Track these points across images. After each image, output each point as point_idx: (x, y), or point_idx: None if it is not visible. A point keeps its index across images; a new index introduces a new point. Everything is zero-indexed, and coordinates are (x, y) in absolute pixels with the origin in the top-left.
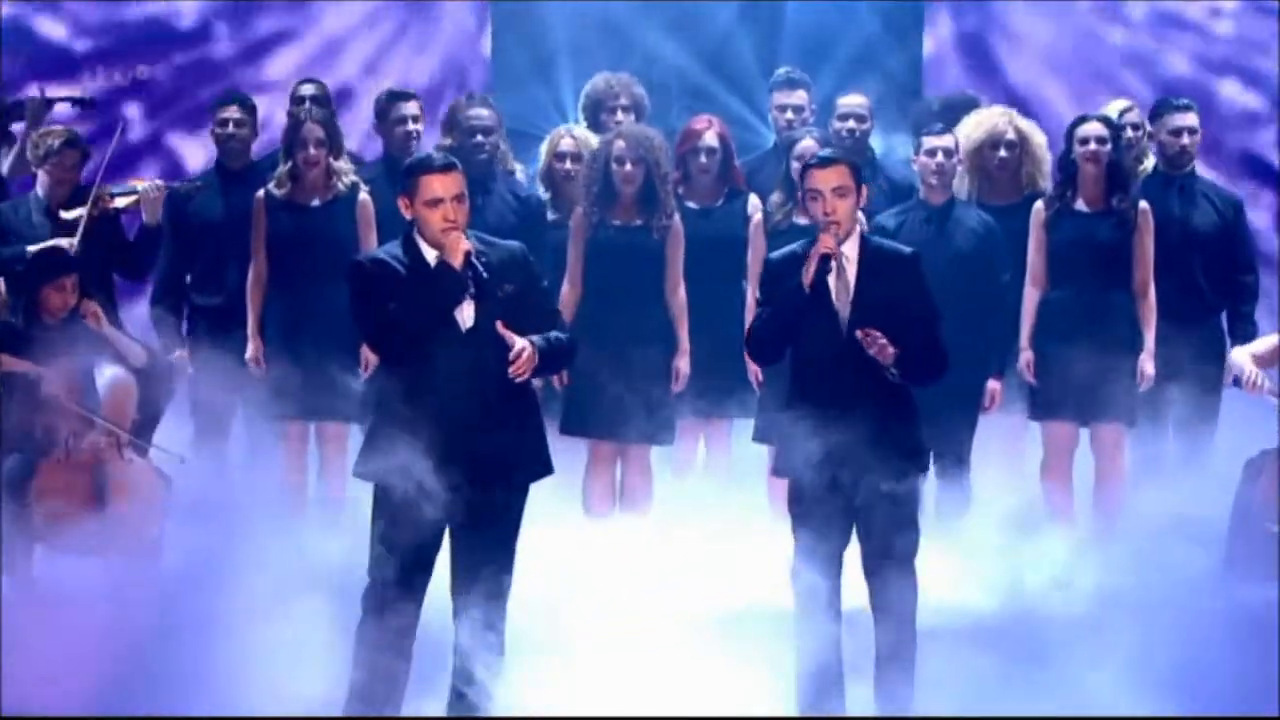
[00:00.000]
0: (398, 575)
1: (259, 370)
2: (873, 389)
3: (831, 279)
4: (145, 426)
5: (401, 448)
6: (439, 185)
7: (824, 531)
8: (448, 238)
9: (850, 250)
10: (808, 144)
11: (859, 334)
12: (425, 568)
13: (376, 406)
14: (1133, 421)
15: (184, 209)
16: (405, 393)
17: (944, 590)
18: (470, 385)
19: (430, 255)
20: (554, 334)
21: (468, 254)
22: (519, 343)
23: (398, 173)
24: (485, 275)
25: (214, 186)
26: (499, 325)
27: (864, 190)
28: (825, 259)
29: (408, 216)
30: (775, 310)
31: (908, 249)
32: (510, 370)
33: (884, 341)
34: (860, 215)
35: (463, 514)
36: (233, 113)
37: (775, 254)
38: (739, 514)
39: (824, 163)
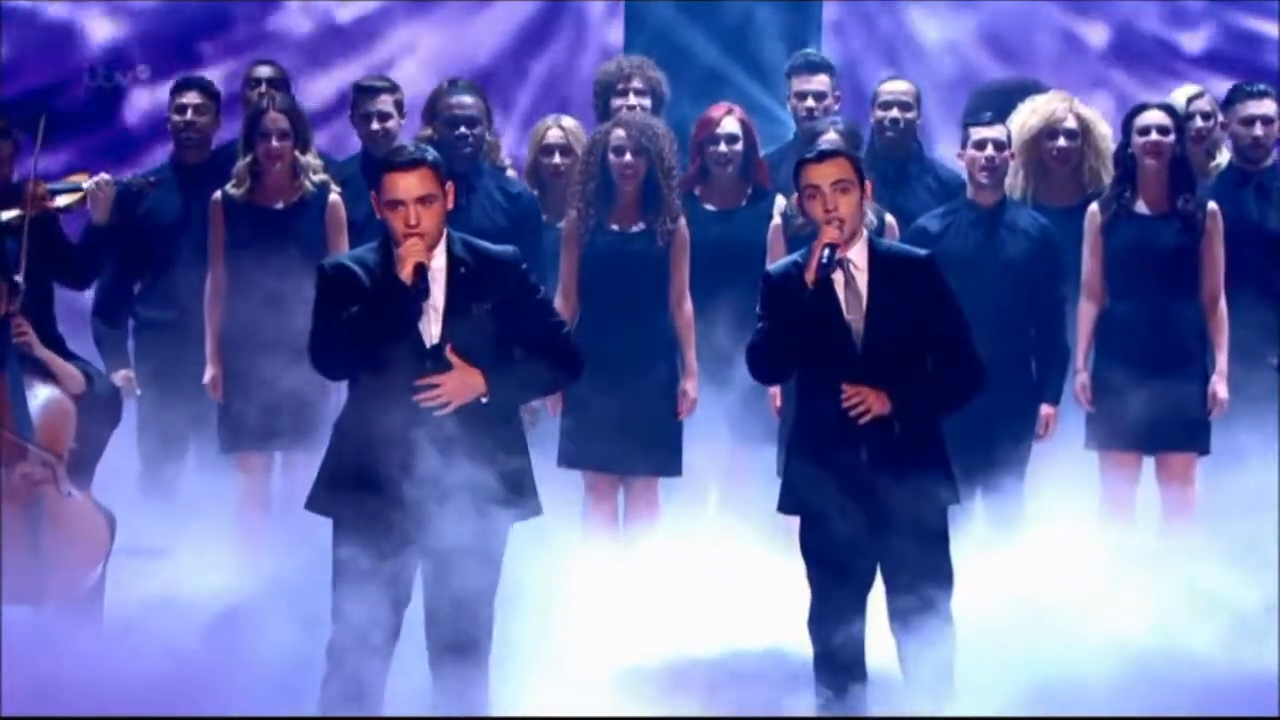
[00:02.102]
0: (364, 623)
1: (218, 395)
2: (892, 411)
3: (840, 289)
4: (87, 458)
5: (360, 479)
6: (401, 185)
7: (842, 575)
8: (403, 245)
9: (858, 256)
10: (831, 137)
11: (843, 399)
12: (393, 616)
13: (334, 431)
14: (1204, 450)
15: (134, 208)
16: (363, 416)
17: (987, 641)
18: (435, 410)
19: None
20: (530, 357)
21: (418, 267)
22: (457, 369)
23: (372, 172)
24: (426, 291)
25: (168, 183)
26: (448, 350)
27: (868, 186)
28: (831, 249)
29: (379, 216)
30: (778, 322)
31: (921, 251)
32: (417, 396)
33: (869, 401)
34: (873, 217)
35: (432, 557)
36: (192, 98)
37: (773, 265)
38: (757, 553)
39: (820, 156)
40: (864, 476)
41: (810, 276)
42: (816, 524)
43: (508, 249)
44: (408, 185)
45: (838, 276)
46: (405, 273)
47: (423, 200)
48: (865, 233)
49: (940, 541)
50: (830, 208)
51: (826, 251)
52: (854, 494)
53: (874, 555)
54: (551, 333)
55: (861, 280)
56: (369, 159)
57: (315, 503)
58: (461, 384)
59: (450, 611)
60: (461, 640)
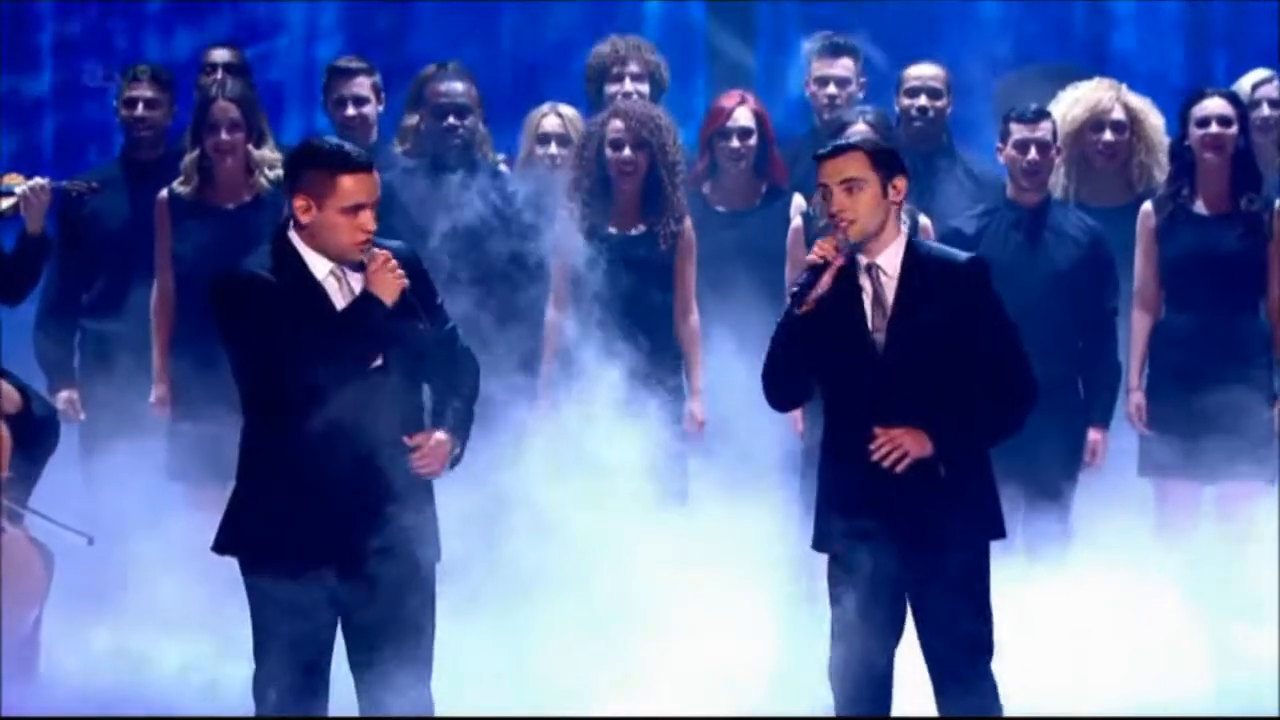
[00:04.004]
0: (287, 665)
1: (166, 417)
2: (935, 452)
3: (867, 300)
4: (20, 485)
5: (275, 517)
6: (363, 188)
7: (868, 623)
8: (376, 261)
9: (889, 262)
10: (860, 129)
11: (873, 447)
12: (319, 662)
13: (246, 462)
14: (1272, 478)
15: (78, 212)
16: (287, 447)
17: (1029, 691)
18: (372, 440)
19: (320, 270)
20: (457, 403)
21: (404, 290)
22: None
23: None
24: (420, 317)
25: (118, 183)
26: (407, 440)
27: (898, 182)
28: (812, 272)
29: (303, 220)
30: (775, 341)
31: (964, 255)
32: (417, 466)
33: (905, 445)
34: (905, 217)
35: (358, 604)
36: (143, 90)
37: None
38: (770, 593)
39: (833, 152)
40: (896, 513)
41: (802, 308)
42: (843, 564)
43: (401, 244)
44: (369, 188)
45: (866, 286)
46: (392, 296)
47: (375, 205)
48: (903, 234)
49: (978, 585)
50: (834, 209)
51: (804, 276)
52: (885, 532)
53: (905, 599)
54: (454, 341)
55: (891, 290)
56: None
57: (220, 540)
58: (440, 447)
59: (382, 669)
60: (401, 704)
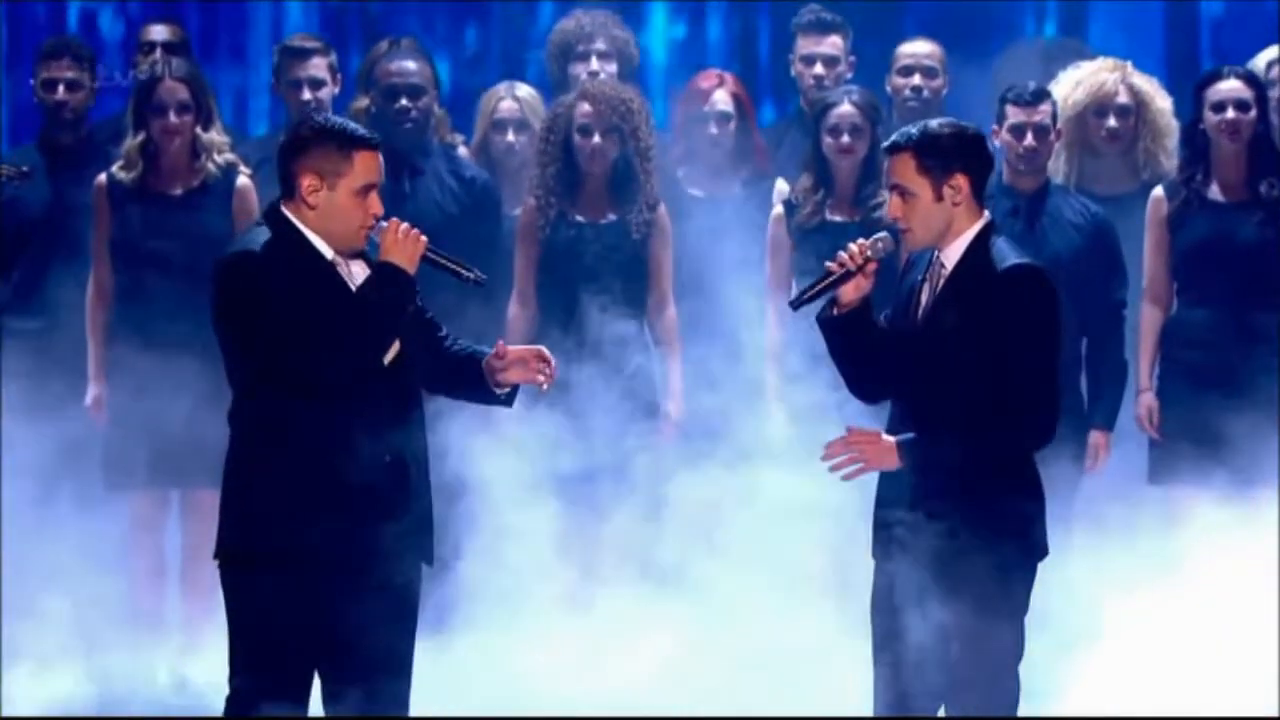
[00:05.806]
0: (277, 678)
1: (102, 420)
2: (906, 466)
3: (925, 292)
4: None
5: (293, 522)
6: (374, 167)
7: (903, 654)
8: (383, 231)
9: (951, 256)
10: (845, 110)
11: (825, 446)
12: (306, 671)
13: (251, 463)
14: None
15: None
16: (305, 438)
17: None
18: (390, 437)
19: (326, 252)
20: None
21: (429, 252)
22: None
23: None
24: (464, 268)
25: (37, 169)
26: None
27: (957, 180)
28: (831, 279)
29: (312, 201)
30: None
31: (1013, 261)
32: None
33: (866, 453)
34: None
35: (348, 604)
36: (64, 69)
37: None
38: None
39: (885, 151)
40: (907, 513)
41: (838, 311)
42: (876, 562)
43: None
44: (379, 168)
45: (928, 277)
46: (412, 263)
47: (381, 189)
48: (978, 226)
49: (1003, 621)
50: (889, 215)
51: (821, 278)
52: (900, 533)
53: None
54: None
55: (942, 284)
56: None
57: (233, 545)
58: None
59: (364, 667)
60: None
